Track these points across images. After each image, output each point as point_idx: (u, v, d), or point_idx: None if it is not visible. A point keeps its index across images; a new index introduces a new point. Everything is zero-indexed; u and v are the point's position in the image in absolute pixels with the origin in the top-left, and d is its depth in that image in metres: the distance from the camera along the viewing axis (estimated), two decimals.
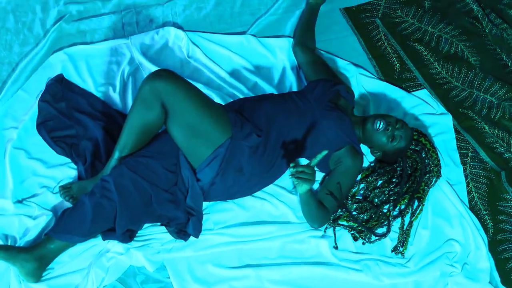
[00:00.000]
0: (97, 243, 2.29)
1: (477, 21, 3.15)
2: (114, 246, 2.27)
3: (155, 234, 2.35)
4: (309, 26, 2.94)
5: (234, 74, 2.84)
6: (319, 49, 2.94)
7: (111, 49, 2.82)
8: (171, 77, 2.20)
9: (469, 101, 2.88)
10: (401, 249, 2.44)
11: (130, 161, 2.22)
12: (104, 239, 2.25)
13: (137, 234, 2.32)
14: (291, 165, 2.05)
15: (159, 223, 2.36)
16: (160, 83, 2.17)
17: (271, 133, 2.35)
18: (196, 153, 2.26)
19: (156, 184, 2.22)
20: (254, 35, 2.97)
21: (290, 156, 2.43)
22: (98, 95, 2.67)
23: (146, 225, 2.35)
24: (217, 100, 2.66)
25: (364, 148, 2.59)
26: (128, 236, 2.26)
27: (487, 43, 3.07)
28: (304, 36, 2.90)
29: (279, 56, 2.92)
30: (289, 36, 2.99)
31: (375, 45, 3.04)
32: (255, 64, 2.90)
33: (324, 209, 2.31)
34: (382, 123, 2.39)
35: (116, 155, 2.26)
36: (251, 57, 2.91)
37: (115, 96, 2.67)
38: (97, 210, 2.13)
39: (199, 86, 2.67)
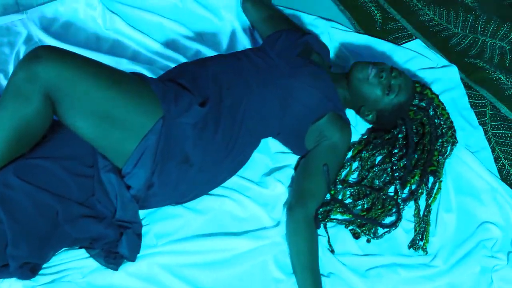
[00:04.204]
0: None
1: None
2: (12, 285, 1.63)
3: (72, 261, 1.70)
4: None
5: (170, 44, 2.25)
6: (277, 5, 2.39)
7: (1, 28, 2.22)
8: (54, 55, 1.56)
9: (475, 48, 2.40)
10: (421, 243, 1.87)
11: (19, 165, 1.57)
12: None
13: (45, 265, 1.67)
14: None
15: (77, 246, 1.71)
16: (41, 66, 1.53)
17: (223, 101, 1.75)
18: (117, 150, 1.64)
19: (63, 195, 1.59)
20: None
21: (254, 133, 1.83)
22: None
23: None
24: (149, 75, 2.04)
25: (350, 116, 2.01)
26: (29, 269, 1.61)
27: None
28: None
29: (225, 17, 2.35)
30: None
31: None
32: (195, 31, 2.31)
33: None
34: (373, 69, 1.85)
35: None
36: (189, 22, 2.33)
37: None
38: None
39: (124, 61, 2.10)
